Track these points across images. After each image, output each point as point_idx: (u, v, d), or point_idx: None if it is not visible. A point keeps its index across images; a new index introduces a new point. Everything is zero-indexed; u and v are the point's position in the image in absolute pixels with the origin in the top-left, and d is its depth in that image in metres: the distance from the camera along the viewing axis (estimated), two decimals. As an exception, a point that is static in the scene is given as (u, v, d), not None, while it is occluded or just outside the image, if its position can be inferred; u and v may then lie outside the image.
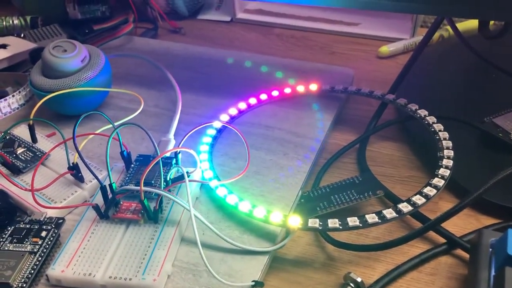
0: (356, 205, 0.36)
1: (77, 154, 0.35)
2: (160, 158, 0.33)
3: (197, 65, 0.53)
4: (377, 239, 0.35)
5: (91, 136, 0.38)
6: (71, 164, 0.36)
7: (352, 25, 0.61)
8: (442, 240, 0.35)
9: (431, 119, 0.40)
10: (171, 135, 0.42)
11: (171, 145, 0.41)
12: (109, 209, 0.33)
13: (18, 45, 0.52)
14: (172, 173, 0.36)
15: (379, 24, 0.60)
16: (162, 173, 0.34)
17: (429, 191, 0.34)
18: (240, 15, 0.65)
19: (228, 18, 0.65)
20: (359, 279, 0.31)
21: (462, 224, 0.36)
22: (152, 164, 0.32)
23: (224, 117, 0.44)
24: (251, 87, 0.49)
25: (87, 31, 0.59)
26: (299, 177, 0.39)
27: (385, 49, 0.56)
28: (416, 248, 0.35)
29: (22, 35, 0.58)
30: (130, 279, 0.30)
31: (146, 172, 0.31)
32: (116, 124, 0.36)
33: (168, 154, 0.37)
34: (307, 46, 0.59)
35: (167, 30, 0.63)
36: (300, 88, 0.47)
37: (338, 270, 0.33)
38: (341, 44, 0.59)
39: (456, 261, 0.34)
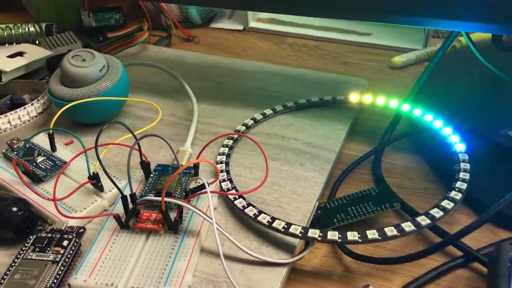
0: (373, 217, 0.36)
1: (97, 163, 0.36)
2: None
3: (212, 74, 0.53)
4: (394, 251, 0.36)
5: (110, 146, 0.39)
6: (92, 174, 0.37)
7: (365, 35, 0.62)
8: (458, 253, 0.35)
9: (447, 131, 0.41)
10: (188, 145, 0.42)
11: (188, 155, 0.41)
12: (130, 219, 0.34)
13: (34, 53, 0.53)
14: (191, 184, 0.36)
15: (391, 34, 0.61)
16: (182, 184, 0.34)
17: (447, 204, 0.34)
18: (253, 24, 0.65)
19: (240, 27, 0.65)
20: (378, 292, 0.31)
21: (478, 237, 0.36)
22: (174, 176, 0.32)
23: (240, 127, 0.45)
24: (266, 97, 0.49)
25: (101, 38, 0.60)
26: (316, 188, 0.39)
27: (398, 59, 0.56)
28: (433, 260, 0.35)
29: (37, 42, 0.59)
30: (152, 289, 0.30)
31: (168, 183, 0.32)
32: (135, 133, 0.36)
33: (186, 164, 0.38)
34: (320, 56, 0.59)
35: (180, 38, 0.64)
36: (315, 98, 0.47)
37: (356, 282, 0.34)
38: (354, 54, 0.59)
39: (473, 275, 0.34)
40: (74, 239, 0.34)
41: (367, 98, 0.46)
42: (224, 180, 0.38)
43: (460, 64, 0.52)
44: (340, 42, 0.61)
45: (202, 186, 0.34)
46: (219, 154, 0.41)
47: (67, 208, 0.36)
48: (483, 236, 0.37)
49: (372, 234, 0.32)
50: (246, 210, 0.35)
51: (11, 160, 0.40)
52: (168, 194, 0.35)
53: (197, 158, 0.37)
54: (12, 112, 0.44)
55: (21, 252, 0.33)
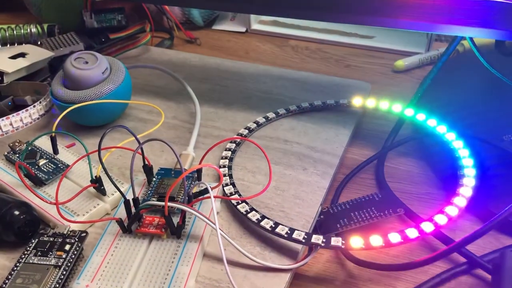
0: (376, 222, 0.36)
1: (100, 167, 0.36)
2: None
3: (214, 76, 0.53)
4: (397, 257, 0.36)
5: (113, 149, 0.39)
6: (94, 177, 0.36)
7: (367, 38, 0.61)
8: (462, 259, 0.35)
9: (451, 136, 0.40)
10: (191, 148, 0.42)
11: (191, 159, 0.41)
12: (132, 223, 0.34)
13: (36, 54, 0.53)
14: (194, 188, 0.36)
15: (394, 38, 0.61)
16: (186, 189, 0.34)
17: (451, 210, 0.34)
18: (255, 26, 0.65)
19: (243, 29, 0.65)
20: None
21: (482, 243, 0.36)
22: (178, 181, 0.32)
23: (243, 131, 0.44)
24: (268, 100, 0.49)
25: (103, 39, 0.59)
26: (319, 193, 0.39)
27: (401, 63, 0.56)
28: (436, 267, 0.35)
29: (39, 43, 0.58)
30: (154, 294, 0.30)
31: (172, 188, 0.32)
32: (138, 137, 0.36)
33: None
34: (322, 59, 0.59)
35: (182, 40, 0.64)
36: (318, 102, 0.47)
37: (359, 288, 0.34)
38: (356, 57, 0.59)
39: (476, 281, 0.34)
40: (76, 243, 0.33)
41: (370, 102, 0.46)
42: (227, 185, 0.38)
43: (463, 69, 0.52)
44: (343, 45, 0.61)
45: (205, 191, 0.34)
46: (222, 158, 0.41)
47: (70, 212, 0.36)
48: (486, 242, 0.36)
49: (376, 240, 0.32)
50: (249, 215, 0.35)
51: (13, 163, 0.40)
52: (171, 199, 0.35)
53: (200, 162, 0.37)
54: (14, 114, 0.44)
55: (23, 256, 0.33)
